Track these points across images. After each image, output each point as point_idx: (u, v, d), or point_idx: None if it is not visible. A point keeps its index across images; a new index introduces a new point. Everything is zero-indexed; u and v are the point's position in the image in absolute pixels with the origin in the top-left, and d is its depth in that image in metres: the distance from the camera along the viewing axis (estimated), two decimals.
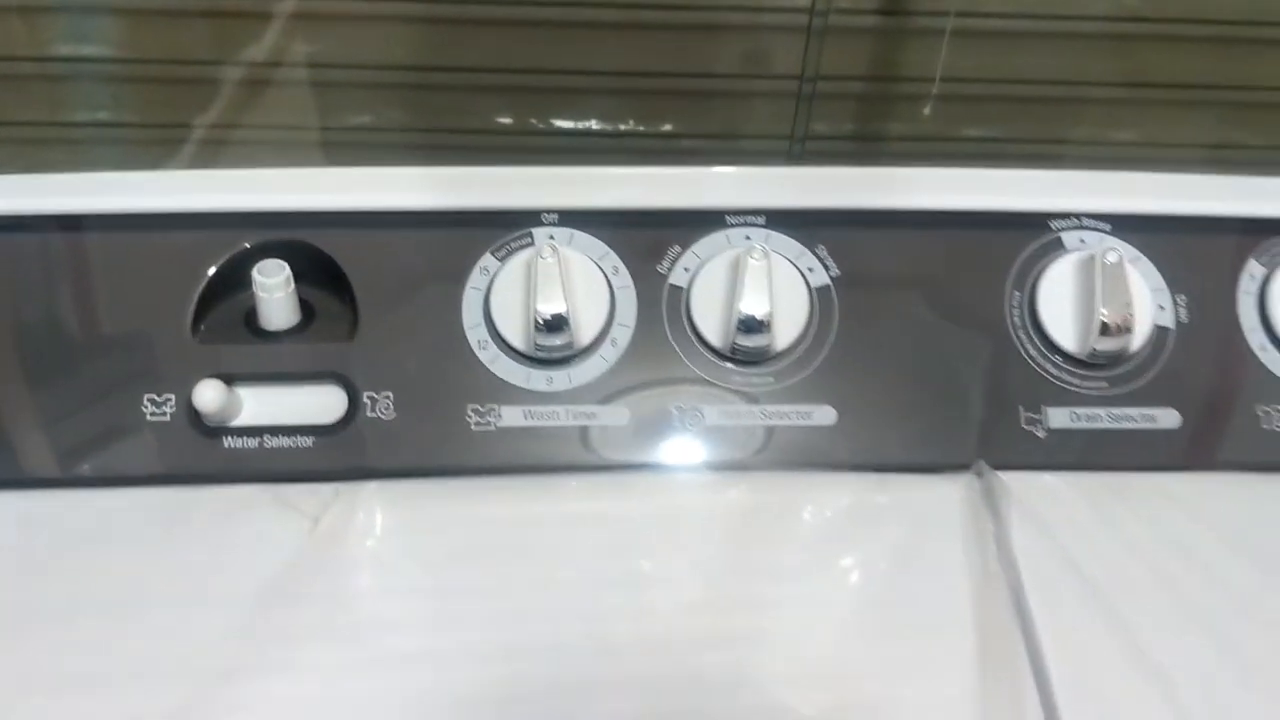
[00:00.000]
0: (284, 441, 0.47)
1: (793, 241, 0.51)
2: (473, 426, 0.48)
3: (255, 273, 0.48)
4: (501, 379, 0.48)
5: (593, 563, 0.45)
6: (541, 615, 0.43)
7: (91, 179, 0.51)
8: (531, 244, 0.50)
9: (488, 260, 0.50)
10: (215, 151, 0.65)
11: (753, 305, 0.47)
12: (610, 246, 0.50)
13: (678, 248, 0.51)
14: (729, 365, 0.49)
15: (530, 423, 0.48)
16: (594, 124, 0.65)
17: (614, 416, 0.48)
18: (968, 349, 0.50)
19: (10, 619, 0.42)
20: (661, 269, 0.50)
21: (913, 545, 0.46)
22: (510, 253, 0.50)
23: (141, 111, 0.65)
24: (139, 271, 0.50)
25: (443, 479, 0.47)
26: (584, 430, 0.48)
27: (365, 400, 0.48)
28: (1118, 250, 0.49)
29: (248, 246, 0.50)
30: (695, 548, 0.46)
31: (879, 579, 0.45)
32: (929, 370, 0.50)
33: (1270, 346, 0.51)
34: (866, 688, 0.41)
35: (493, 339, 0.49)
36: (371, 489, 0.46)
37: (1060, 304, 0.50)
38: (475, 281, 0.50)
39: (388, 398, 0.48)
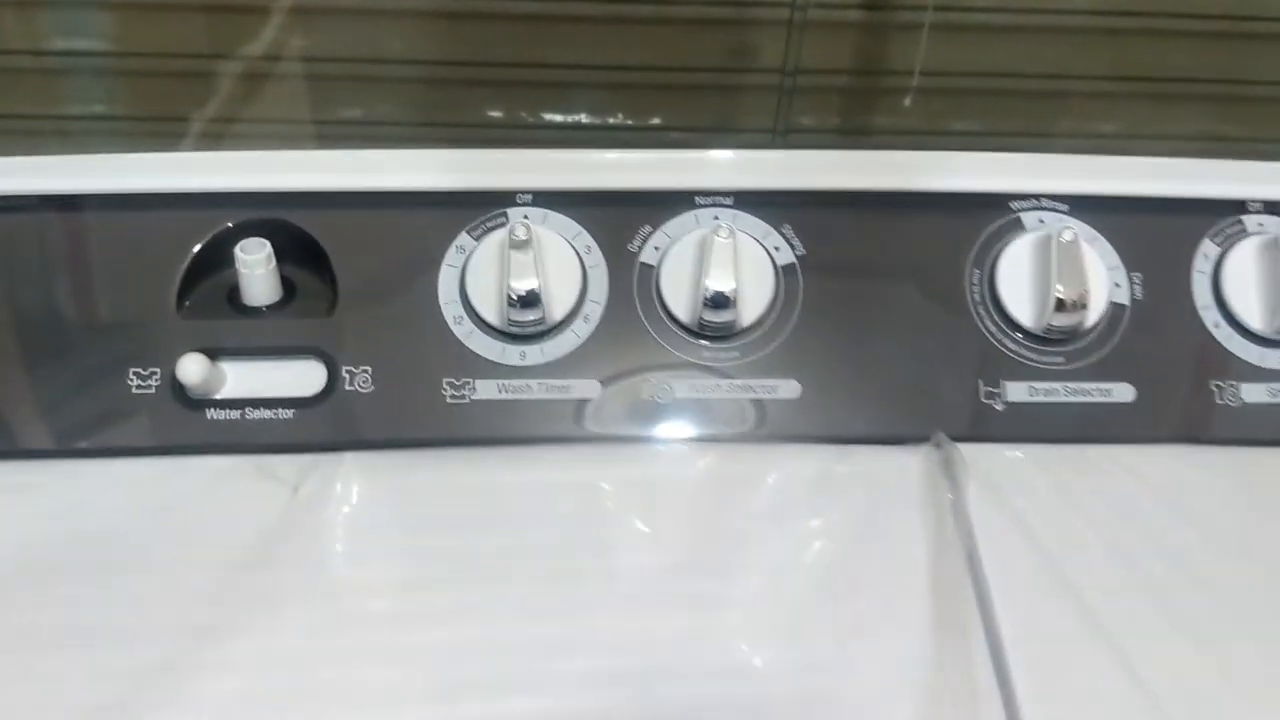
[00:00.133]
0: (265, 414, 0.49)
1: (759, 221, 0.52)
2: (448, 399, 0.49)
3: (238, 250, 0.50)
4: (476, 353, 0.50)
5: (563, 530, 0.46)
6: (510, 579, 0.44)
7: (79, 161, 0.52)
8: (506, 223, 0.51)
9: (464, 239, 0.51)
10: (210, 145, 0.65)
11: (719, 282, 0.49)
12: (583, 226, 0.52)
13: (648, 227, 0.52)
14: (698, 341, 0.51)
15: (504, 396, 0.49)
16: (580, 117, 0.66)
17: (585, 390, 0.50)
18: (928, 325, 0.51)
19: None
20: (632, 248, 0.52)
21: (873, 513, 0.47)
22: (486, 232, 0.51)
23: (137, 105, 0.65)
24: (125, 249, 0.51)
25: (418, 450, 0.48)
26: (556, 403, 0.49)
27: (344, 374, 0.49)
28: (1074, 229, 0.50)
29: (230, 225, 0.51)
30: (664, 515, 0.47)
31: (840, 545, 0.46)
32: (890, 345, 0.51)
33: (1224, 323, 0.52)
34: (821, 645, 0.43)
35: (468, 315, 0.50)
36: (349, 459, 0.48)
37: (1019, 282, 0.51)
38: (451, 259, 0.51)
39: (366, 371, 0.49)
